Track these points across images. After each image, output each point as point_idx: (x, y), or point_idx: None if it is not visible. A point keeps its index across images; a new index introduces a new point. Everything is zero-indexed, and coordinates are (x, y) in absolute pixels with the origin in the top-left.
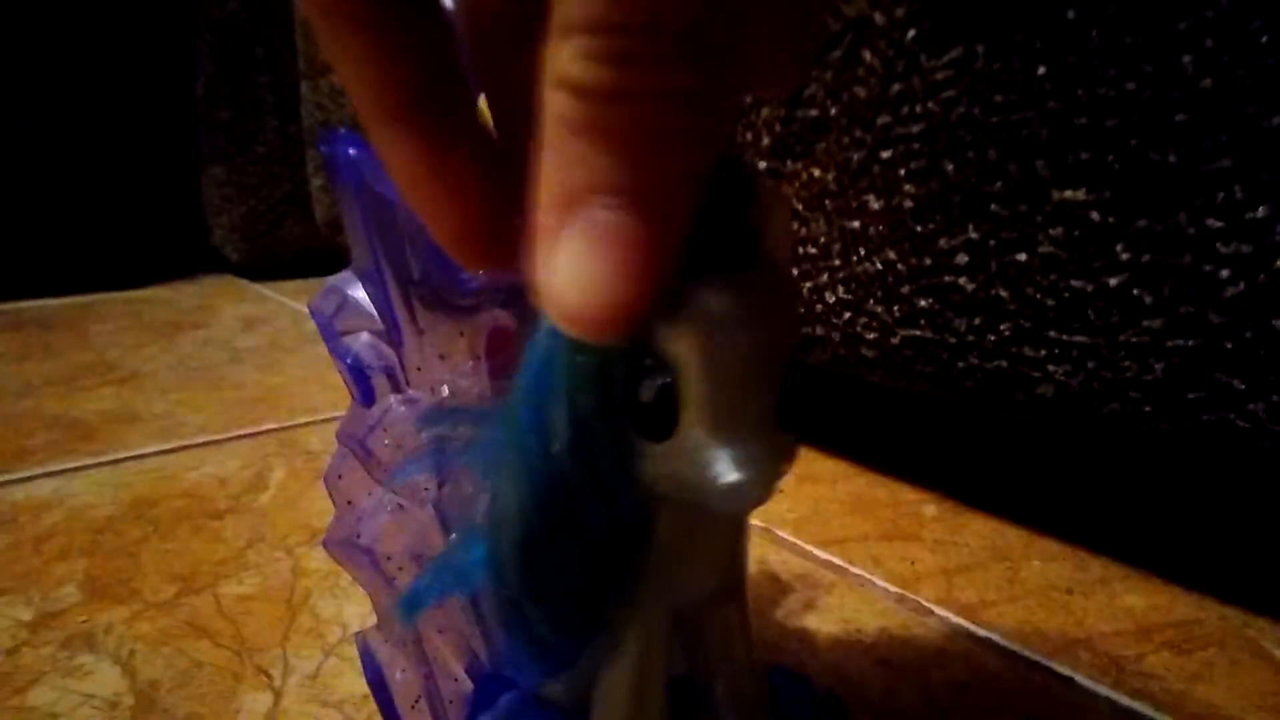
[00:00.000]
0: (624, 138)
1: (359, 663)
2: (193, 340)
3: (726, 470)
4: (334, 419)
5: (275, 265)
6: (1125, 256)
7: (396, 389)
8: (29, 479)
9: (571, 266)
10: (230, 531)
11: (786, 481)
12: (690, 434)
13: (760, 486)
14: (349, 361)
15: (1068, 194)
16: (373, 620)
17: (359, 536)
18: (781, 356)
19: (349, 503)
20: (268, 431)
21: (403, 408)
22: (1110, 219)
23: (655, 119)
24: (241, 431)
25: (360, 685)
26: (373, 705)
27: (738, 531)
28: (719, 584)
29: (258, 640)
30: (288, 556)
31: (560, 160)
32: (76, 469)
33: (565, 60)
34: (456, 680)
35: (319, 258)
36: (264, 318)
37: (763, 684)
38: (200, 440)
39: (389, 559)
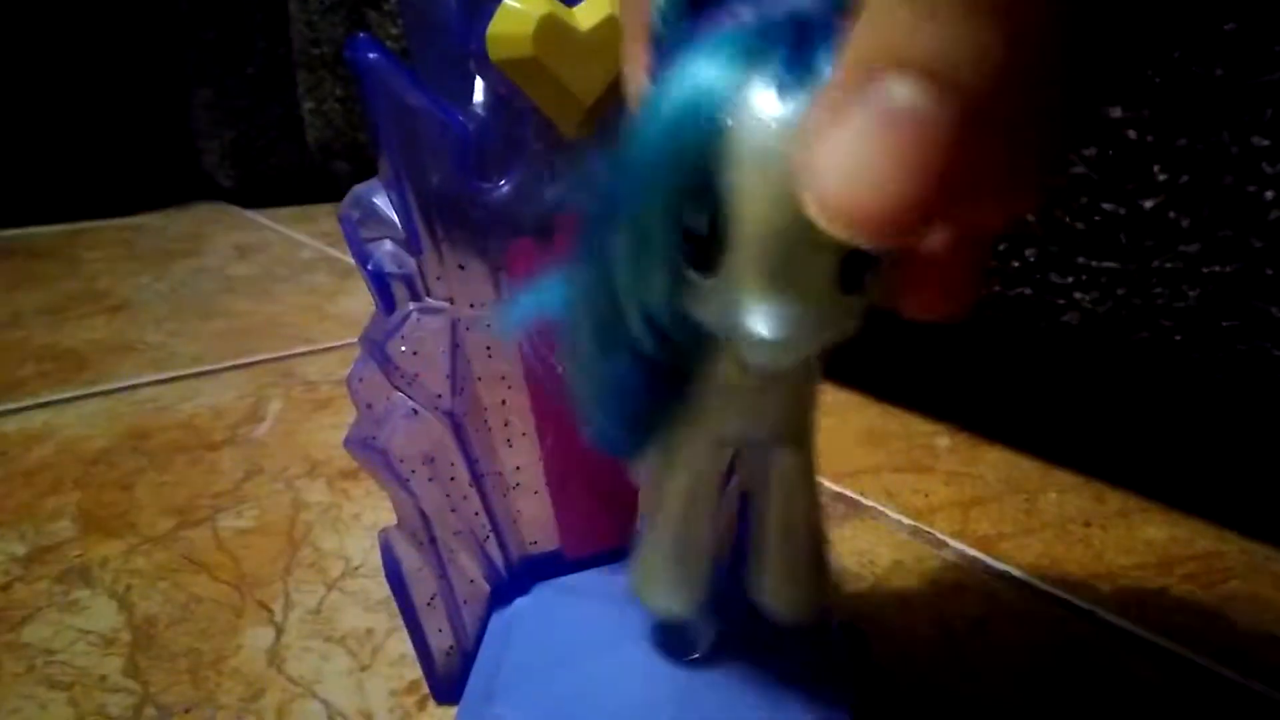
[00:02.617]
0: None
1: (361, 597)
2: (185, 269)
3: (758, 323)
4: (331, 349)
5: (267, 191)
6: (1162, 177)
7: (415, 297)
8: (20, 410)
9: (846, 149)
10: (227, 464)
11: None
12: (733, 275)
13: (787, 349)
14: (370, 268)
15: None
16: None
17: (374, 439)
18: None
19: (368, 406)
20: (263, 362)
21: (420, 315)
22: (1148, 137)
23: None
24: (237, 362)
25: (364, 620)
26: (376, 641)
27: (797, 383)
28: (770, 432)
29: (258, 575)
30: (287, 489)
31: (870, 21)
32: (68, 400)
33: None
34: (472, 582)
35: (312, 183)
36: (257, 245)
37: (820, 533)
38: (194, 371)
39: (402, 461)
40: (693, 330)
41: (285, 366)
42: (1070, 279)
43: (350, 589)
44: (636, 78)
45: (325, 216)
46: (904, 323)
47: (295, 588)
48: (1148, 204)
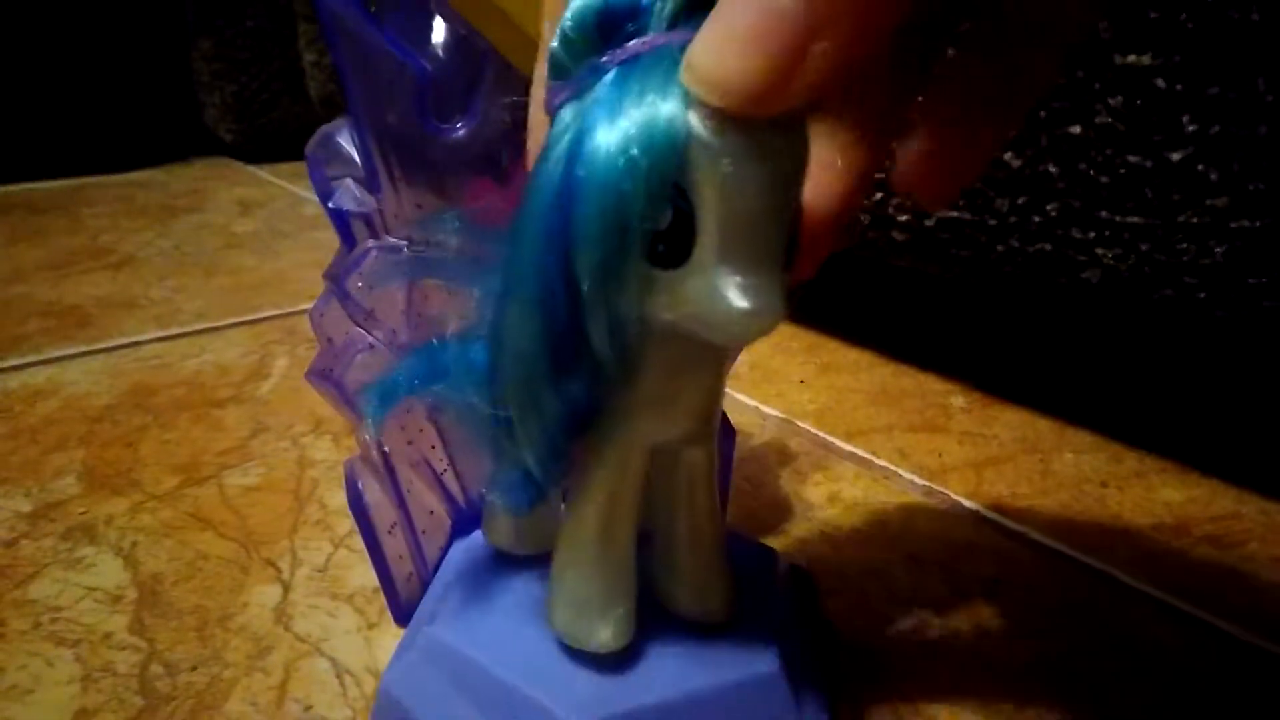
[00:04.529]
0: None
1: (368, 556)
2: (188, 224)
3: (738, 298)
4: None
5: (270, 146)
6: (1192, 128)
7: (375, 235)
8: (23, 366)
9: (723, 26)
10: (232, 421)
11: (807, 370)
12: (704, 261)
13: (768, 317)
14: (330, 205)
15: (1131, 58)
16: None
17: (332, 371)
18: (795, 190)
19: (328, 340)
20: (268, 319)
21: (378, 253)
22: (1178, 86)
23: None
24: (241, 318)
25: (371, 577)
26: (384, 598)
27: (718, 376)
28: (694, 428)
29: (264, 532)
30: (293, 446)
31: None
32: (72, 356)
33: None
34: (432, 513)
35: None
36: (261, 201)
37: (722, 529)
38: (199, 327)
39: (358, 394)
40: (633, 338)
41: (290, 323)
42: (1092, 234)
43: (357, 546)
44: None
45: None
46: (917, 281)
47: (302, 545)
48: (1175, 156)
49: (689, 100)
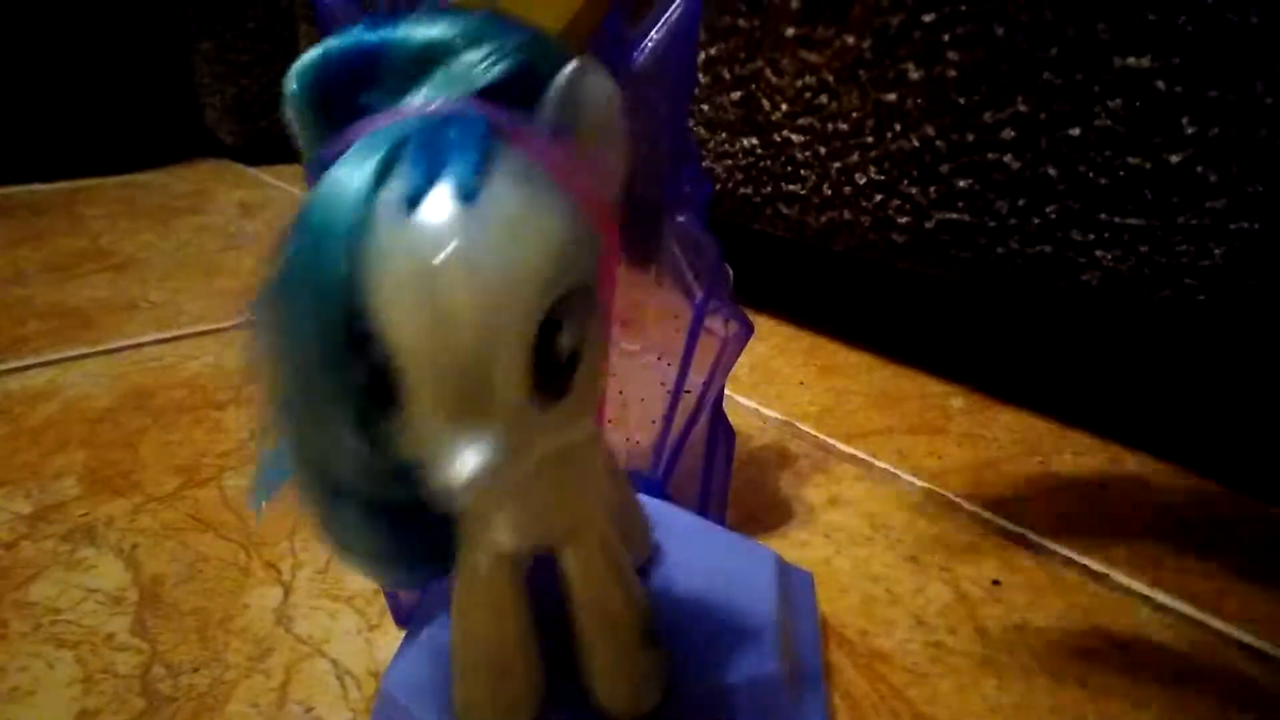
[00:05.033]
0: None
1: None
2: (188, 226)
3: (441, 467)
4: None
5: (271, 148)
6: (1191, 130)
7: None
8: (24, 368)
9: None
10: (232, 423)
11: (807, 373)
12: (410, 411)
13: (478, 488)
14: None
15: (1131, 60)
16: None
17: None
18: (527, 307)
19: None
20: None
21: None
22: (1177, 88)
23: None
24: (241, 320)
25: (371, 581)
26: (384, 600)
27: (575, 478)
28: (557, 531)
29: (265, 534)
30: None
31: None
32: (73, 358)
33: None
34: None
35: None
36: (262, 203)
37: (633, 612)
38: (200, 329)
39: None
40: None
41: None
42: (1092, 236)
43: None
44: None
45: None
46: (917, 283)
47: (303, 547)
48: (1174, 158)
49: (382, 205)
